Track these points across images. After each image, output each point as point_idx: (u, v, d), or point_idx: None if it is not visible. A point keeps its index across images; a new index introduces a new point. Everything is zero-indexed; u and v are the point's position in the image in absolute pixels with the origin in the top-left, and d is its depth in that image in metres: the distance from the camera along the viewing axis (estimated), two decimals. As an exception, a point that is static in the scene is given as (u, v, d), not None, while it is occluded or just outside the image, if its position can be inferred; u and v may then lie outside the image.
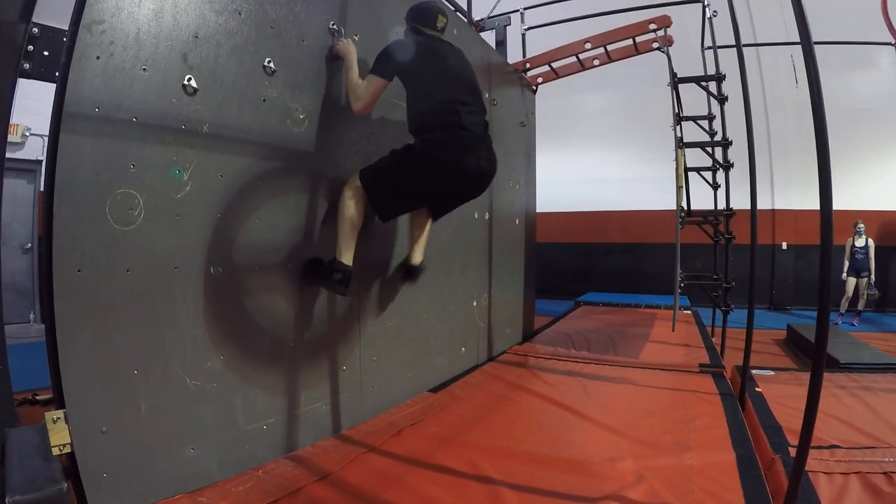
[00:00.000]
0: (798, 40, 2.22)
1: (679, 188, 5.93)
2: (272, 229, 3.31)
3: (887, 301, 12.84)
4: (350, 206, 3.56)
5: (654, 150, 12.69)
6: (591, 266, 15.41)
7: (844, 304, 11.34)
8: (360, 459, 3.35)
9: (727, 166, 6.90)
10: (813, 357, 2.43)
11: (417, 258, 4.33)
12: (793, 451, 3.12)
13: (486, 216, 6.01)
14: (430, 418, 4.16)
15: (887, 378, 5.49)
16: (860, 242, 11.16)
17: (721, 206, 7.62)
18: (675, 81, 6.70)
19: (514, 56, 7.85)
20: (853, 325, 11.07)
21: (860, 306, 11.45)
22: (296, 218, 3.50)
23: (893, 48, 9.96)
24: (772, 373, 5.61)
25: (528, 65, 7.57)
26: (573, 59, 7.52)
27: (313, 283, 3.61)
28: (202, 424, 2.90)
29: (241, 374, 3.12)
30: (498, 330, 6.46)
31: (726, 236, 6.98)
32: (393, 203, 3.76)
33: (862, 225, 11.20)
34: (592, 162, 15.26)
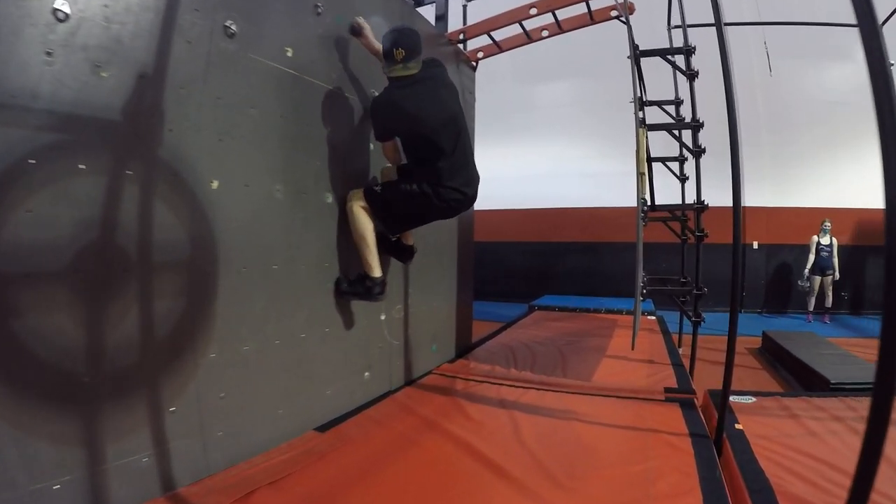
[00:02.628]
0: (772, 21, 1.39)
1: (641, 175, 4.91)
2: (51, 225, 2.34)
3: (862, 302, 12.60)
4: (366, 226, 4.00)
5: (617, 143, 12.11)
6: (549, 267, 14.50)
7: (812, 303, 11.40)
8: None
9: (698, 152, 5.89)
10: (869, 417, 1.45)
11: (411, 238, 4.63)
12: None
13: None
14: (300, 473, 3.13)
15: (885, 403, 4.49)
16: (825, 240, 11.21)
17: (690, 200, 6.68)
18: (637, 54, 5.76)
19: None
20: (825, 321, 11.35)
21: (827, 304, 11.49)
22: (87, 209, 2.47)
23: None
24: (752, 399, 4.60)
25: (463, 35, 6.48)
26: (518, 29, 6.47)
27: (352, 299, 4.15)
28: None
29: (13, 420, 2.24)
30: (419, 347, 5.36)
31: (697, 234, 5.95)
32: (401, 224, 4.31)
33: (828, 224, 11.22)
34: (550, 155, 14.43)
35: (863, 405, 4.30)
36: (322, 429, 3.80)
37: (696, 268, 5.99)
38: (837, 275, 11.34)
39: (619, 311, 10.15)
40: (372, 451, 3.45)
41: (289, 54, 3.57)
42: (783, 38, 11.68)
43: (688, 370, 5.81)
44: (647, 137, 5.60)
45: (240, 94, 3.21)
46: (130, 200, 2.62)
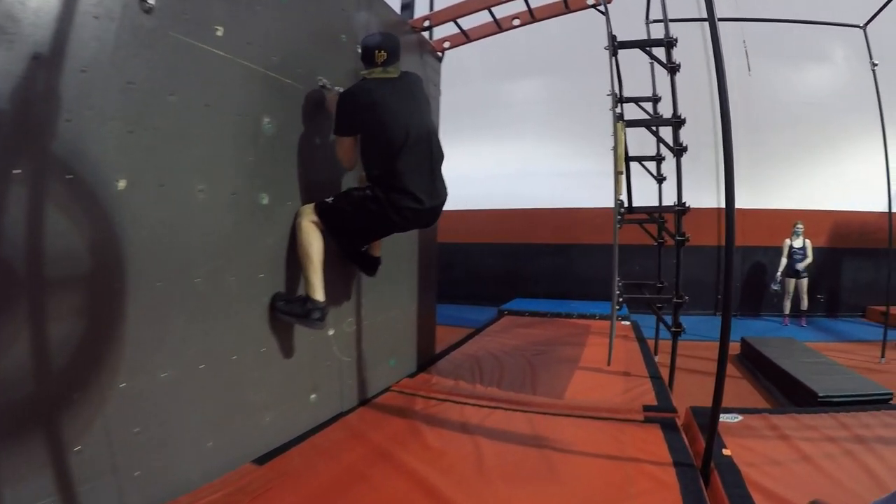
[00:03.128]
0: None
1: (619, 174, 4.51)
2: None
3: (839, 304, 12.46)
4: (313, 243, 3.61)
5: (591, 142, 11.61)
6: (519, 269, 13.97)
7: (787, 306, 11.29)
8: None
9: (679, 150, 5.49)
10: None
11: (377, 251, 4.41)
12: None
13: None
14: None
15: (879, 419, 4.22)
16: (798, 243, 10.93)
17: (668, 201, 6.33)
18: (615, 46, 5.47)
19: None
20: (802, 325, 11.09)
21: (803, 307, 11.18)
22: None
23: (861, 31, 8.87)
24: (738, 418, 4.22)
25: (428, 22, 6.00)
26: (488, 17, 6.03)
27: (288, 321, 3.62)
28: None
29: None
30: (376, 362, 4.86)
31: (678, 238, 5.54)
32: (356, 240, 4.08)
33: (801, 226, 10.90)
34: (522, 154, 13.92)
35: (856, 422, 4.09)
36: (260, 461, 3.35)
37: (677, 274, 5.57)
38: (803, 267, 11.00)
39: (592, 316, 9.78)
40: (314, 489, 3.03)
41: (219, 34, 3.10)
42: (759, 38, 11.43)
43: (666, 383, 5.41)
44: (625, 134, 5.22)
45: (157, 79, 2.74)
46: (18, 205, 2.17)
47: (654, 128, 6.07)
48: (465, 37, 6.15)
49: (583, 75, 11.48)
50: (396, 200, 3.65)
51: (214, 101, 3.07)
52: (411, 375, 5.50)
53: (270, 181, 3.53)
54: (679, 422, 4.20)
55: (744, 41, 11.01)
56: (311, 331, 3.78)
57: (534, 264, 13.84)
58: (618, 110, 4.99)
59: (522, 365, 5.99)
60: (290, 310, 3.57)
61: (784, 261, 11.06)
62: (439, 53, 6.25)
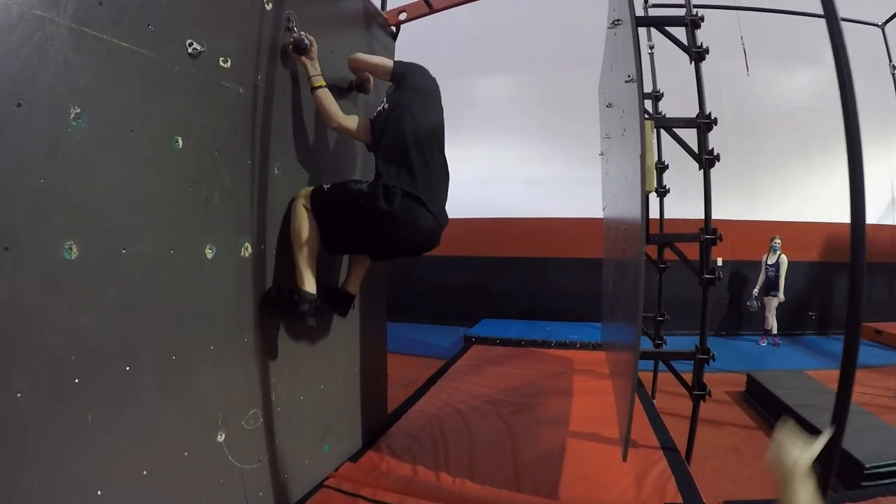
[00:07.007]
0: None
1: (647, 193, 3.36)
2: None
3: (830, 321, 11.94)
4: (305, 230, 3.29)
5: (567, 146, 11.45)
6: (488, 284, 12.88)
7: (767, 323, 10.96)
8: None
9: (710, 158, 4.29)
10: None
11: (355, 287, 3.92)
12: None
13: (247, 249, 3.02)
14: None
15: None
16: (772, 259, 10.77)
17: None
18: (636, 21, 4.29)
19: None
20: (775, 345, 10.73)
21: (768, 326, 10.91)
22: None
23: (879, 29, 7.97)
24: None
25: (379, -12, 4.65)
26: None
27: (279, 313, 3.27)
28: None
29: None
30: (301, 454, 3.45)
31: (705, 276, 4.29)
32: (344, 242, 3.54)
33: (778, 241, 10.73)
34: (491, 159, 12.87)
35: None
36: None
37: (702, 324, 4.31)
38: (782, 296, 10.61)
39: (573, 345, 8.54)
40: None
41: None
42: (751, 38, 10.59)
43: (683, 454, 4.19)
44: (654, 131, 4.03)
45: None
46: None
47: (672, 130, 4.88)
48: (428, 6, 4.81)
49: (563, 72, 11.14)
50: (405, 206, 3.24)
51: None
52: (354, 458, 4.07)
53: (82, 217, 2.00)
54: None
55: (741, 38, 10.10)
56: (187, 441, 2.49)
57: (504, 279, 12.82)
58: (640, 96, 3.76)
59: (499, 432, 4.64)
60: (279, 301, 3.22)
61: (762, 277, 10.88)
62: (393, 28, 4.92)
